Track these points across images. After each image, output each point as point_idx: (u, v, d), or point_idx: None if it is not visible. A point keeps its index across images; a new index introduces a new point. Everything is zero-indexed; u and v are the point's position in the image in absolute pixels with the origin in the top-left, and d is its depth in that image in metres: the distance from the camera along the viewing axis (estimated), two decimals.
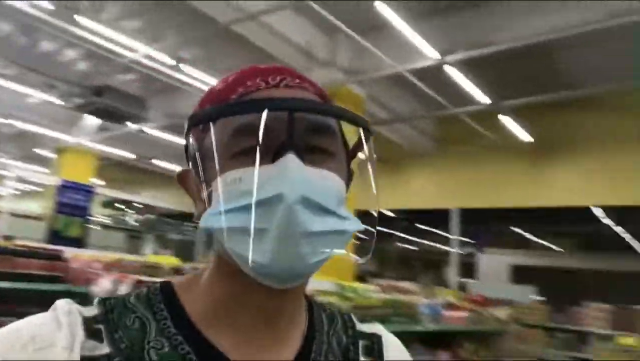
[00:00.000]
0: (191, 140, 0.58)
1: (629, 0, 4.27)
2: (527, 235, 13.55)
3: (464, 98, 6.45)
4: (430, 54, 5.35)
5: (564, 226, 12.34)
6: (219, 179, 0.52)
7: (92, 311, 0.54)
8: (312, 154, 0.54)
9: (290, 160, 0.49)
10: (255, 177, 0.49)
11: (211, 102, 0.59)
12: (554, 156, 7.79)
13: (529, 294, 8.40)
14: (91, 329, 0.51)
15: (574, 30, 4.65)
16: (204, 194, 0.55)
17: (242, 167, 0.51)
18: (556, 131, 7.58)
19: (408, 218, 12.88)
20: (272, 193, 0.48)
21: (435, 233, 14.15)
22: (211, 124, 0.54)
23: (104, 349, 0.51)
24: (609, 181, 7.22)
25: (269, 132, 0.51)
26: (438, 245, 14.99)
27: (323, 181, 0.52)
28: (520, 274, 11.25)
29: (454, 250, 9.34)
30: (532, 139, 7.60)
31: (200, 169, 0.56)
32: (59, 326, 0.50)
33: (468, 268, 11.05)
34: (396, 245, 17.21)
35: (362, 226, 0.56)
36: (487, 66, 5.79)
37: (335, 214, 0.52)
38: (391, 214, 11.94)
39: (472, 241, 12.84)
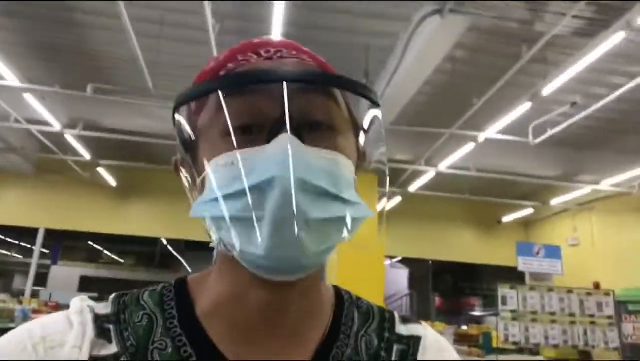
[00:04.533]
0: (178, 124, 0.53)
1: None
2: (102, 249, 15.86)
3: (71, 149, 8.46)
4: (52, 122, 7.17)
5: (132, 246, 15.40)
6: (208, 163, 0.49)
7: (105, 308, 0.53)
8: (313, 130, 0.49)
9: (286, 139, 0.44)
10: (238, 159, 0.45)
11: (201, 82, 0.54)
12: (131, 197, 10.64)
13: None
14: (101, 328, 0.51)
15: (158, 130, 7.50)
16: (196, 180, 0.51)
17: (234, 149, 0.46)
18: (134, 181, 10.46)
19: None
20: (264, 177, 0.44)
21: (10, 243, 14.52)
22: (197, 103, 0.51)
23: (112, 349, 0.49)
24: (171, 218, 10.21)
25: (262, 108, 0.48)
26: (13, 255, 15.25)
27: (325, 162, 0.47)
28: (88, 283, 13.41)
29: (31, 262, 10.69)
30: (115, 184, 10.28)
31: (188, 154, 0.53)
32: (69, 325, 0.50)
33: (41, 278, 12.35)
34: None
35: (371, 212, 0.50)
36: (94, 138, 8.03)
37: (341, 198, 0.47)
38: None
39: (47, 252, 14.04)
